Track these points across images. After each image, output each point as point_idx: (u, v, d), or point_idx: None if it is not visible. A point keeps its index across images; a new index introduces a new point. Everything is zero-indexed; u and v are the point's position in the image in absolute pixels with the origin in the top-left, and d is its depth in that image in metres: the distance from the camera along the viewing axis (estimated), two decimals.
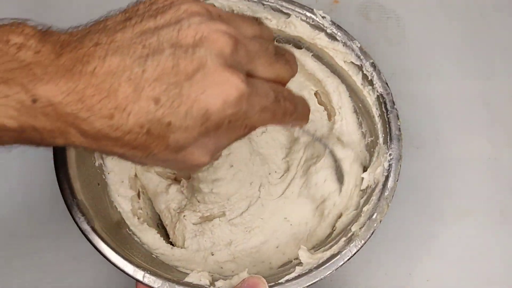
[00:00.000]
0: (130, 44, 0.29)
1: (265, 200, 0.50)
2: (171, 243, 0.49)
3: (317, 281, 0.40)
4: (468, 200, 0.56)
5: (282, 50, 0.37)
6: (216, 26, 0.31)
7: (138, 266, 0.40)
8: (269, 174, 0.51)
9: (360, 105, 0.50)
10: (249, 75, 0.32)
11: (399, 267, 0.53)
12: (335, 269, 0.40)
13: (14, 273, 0.52)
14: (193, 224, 0.49)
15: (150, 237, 0.47)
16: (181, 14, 0.31)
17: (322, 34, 0.49)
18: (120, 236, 0.45)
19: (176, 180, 0.52)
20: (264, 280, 0.39)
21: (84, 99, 0.28)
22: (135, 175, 0.51)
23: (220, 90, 0.30)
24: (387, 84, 0.47)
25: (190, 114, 0.29)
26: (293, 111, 0.36)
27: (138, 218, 0.48)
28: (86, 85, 0.28)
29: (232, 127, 0.32)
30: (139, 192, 0.51)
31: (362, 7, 0.66)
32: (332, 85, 0.52)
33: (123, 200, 0.48)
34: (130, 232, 0.47)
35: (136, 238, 0.46)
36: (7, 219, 0.54)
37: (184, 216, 0.49)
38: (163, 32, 0.30)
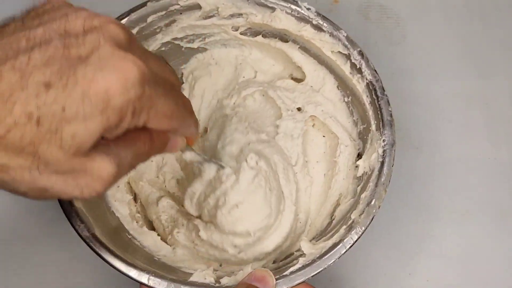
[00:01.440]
0: (12, 40, 0.26)
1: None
2: None
3: (321, 271, 0.40)
4: (468, 200, 0.56)
5: None
6: (106, 18, 0.29)
7: (142, 269, 0.40)
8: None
9: (350, 93, 0.50)
10: None
11: (399, 267, 0.54)
12: (338, 258, 0.40)
13: (15, 273, 0.52)
14: (186, 242, 0.48)
15: (151, 240, 0.47)
16: (66, 10, 0.29)
17: (308, 26, 0.50)
18: (120, 241, 0.45)
19: (169, 193, 0.51)
20: (271, 273, 0.39)
21: None
22: (129, 182, 0.51)
23: (120, 68, 0.26)
24: (375, 71, 0.47)
25: (88, 97, 0.25)
26: (192, 109, 0.35)
27: (137, 222, 0.48)
28: None
29: (133, 139, 0.29)
30: (135, 195, 0.51)
31: (362, 7, 0.66)
32: (318, 78, 0.52)
33: (120, 205, 0.48)
34: (130, 236, 0.46)
35: (136, 242, 0.46)
36: (8, 219, 0.53)
37: (177, 232, 0.48)
38: (49, 24, 0.27)
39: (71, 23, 0.27)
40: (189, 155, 0.45)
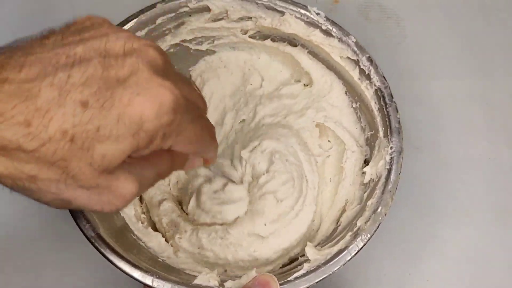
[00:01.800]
0: (52, 55, 0.27)
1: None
2: None
3: (326, 277, 0.40)
4: (468, 200, 0.56)
5: None
6: (145, 41, 0.30)
7: (146, 270, 0.40)
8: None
9: (358, 99, 0.50)
10: None
11: (399, 267, 0.53)
12: (343, 264, 0.40)
13: (15, 273, 0.52)
14: (189, 248, 0.47)
15: (155, 241, 0.47)
16: (106, 30, 0.29)
17: (317, 31, 0.50)
18: (125, 241, 0.45)
19: (173, 196, 0.51)
20: (275, 278, 0.39)
21: None
22: None
23: (156, 95, 0.27)
24: (384, 77, 0.47)
25: (123, 119, 0.26)
26: (214, 135, 0.37)
27: (142, 223, 0.48)
28: None
29: (156, 158, 0.31)
30: (141, 196, 0.51)
31: (362, 7, 0.66)
32: (326, 84, 0.52)
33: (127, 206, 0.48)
34: (135, 237, 0.46)
35: (141, 243, 0.46)
36: (8, 219, 0.53)
37: (179, 238, 0.48)
38: (90, 42, 0.28)
39: (111, 44, 0.28)
40: (203, 171, 0.49)
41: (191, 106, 0.31)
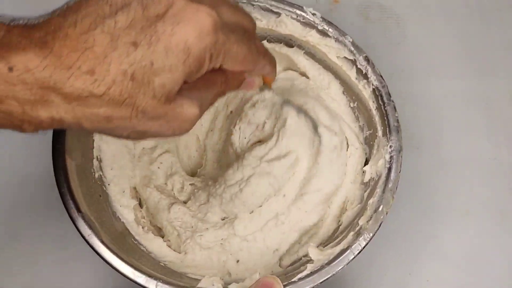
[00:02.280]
0: (98, 8, 0.29)
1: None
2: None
3: (329, 277, 0.40)
4: (468, 200, 0.57)
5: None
6: None
7: (149, 275, 0.40)
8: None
9: (355, 98, 0.50)
10: None
11: (399, 267, 0.54)
12: (347, 264, 0.40)
13: (15, 273, 0.52)
14: (211, 244, 0.47)
15: (156, 246, 0.47)
16: None
17: (314, 31, 0.50)
18: (126, 246, 0.45)
19: (179, 200, 0.51)
20: (279, 280, 0.39)
21: (62, 60, 0.27)
22: (135, 187, 0.50)
23: (195, 21, 0.30)
24: (381, 76, 0.47)
25: (170, 50, 0.29)
26: (265, 52, 0.38)
27: (143, 228, 0.47)
28: (62, 46, 0.28)
29: (211, 80, 0.33)
30: (140, 201, 0.50)
31: (362, 7, 0.66)
32: (323, 83, 0.52)
33: (126, 210, 0.48)
34: (136, 242, 0.46)
35: (142, 248, 0.46)
36: (8, 219, 0.53)
37: (200, 235, 0.47)
38: None
39: None
40: (267, 94, 0.49)
41: (234, 26, 0.33)
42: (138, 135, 0.32)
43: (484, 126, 0.60)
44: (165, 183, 0.51)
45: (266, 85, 0.45)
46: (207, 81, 0.34)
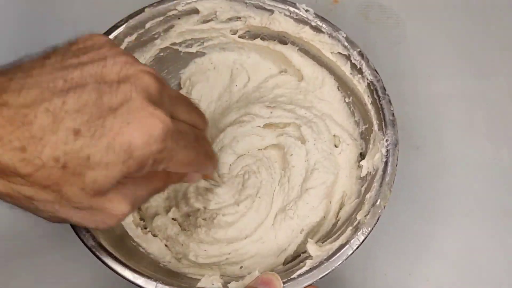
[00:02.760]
0: (50, 79, 0.28)
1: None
2: None
3: (329, 273, 0.40)
4: (468, 200, 0.56)
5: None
6: (141, 67, 0.30)
7: (149, 277, 0.40)
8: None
9: (350, 94, 0.50)
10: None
11: (399, 267, 0.53)
12: (345, 259, 0.40)
13: (15, 273, 0.52)
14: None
15: (155, 247, 0.47)
16: (106, 52, 0.30)
17: (307, 28, 0.50)
18: (125, 248, 0.44)
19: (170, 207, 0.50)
20: (278, 277, 0.39)
21: None
22: None
23: (146, 124, 0.28)
24: (376, 71, 0.47)
25: (112, 147, 0.27)
26: (212, 154, 0.37)
27: (141, 229, 0.47)
28: None
29: (151, 177, 0.31)
30: None
31: (362, 7, 0.66)
32: (317, 80, 0.52)
33: None
34: (135, 244, 0.46)
35: (141, 249, 0.46)
36: (8, 219, 0.53)
37: (182, 243, 0.48)
38: (87, 67, 0.29)
39: (107, 69, 0.29)
40: (203, 183, 0.48)
41: (186, 130, 0.32)
42: (59, 220, 0.31)
43: (484, 126, 0.60)
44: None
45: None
46: (147, 177, 0.32)
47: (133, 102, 0.28)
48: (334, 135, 0.51)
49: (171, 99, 0.32)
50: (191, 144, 0.33)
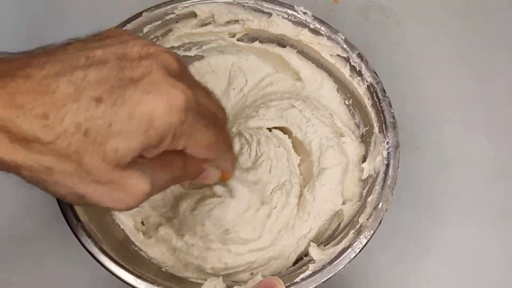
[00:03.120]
0: (73, 57, 0.28)
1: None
2: None
3: (332, 276, 0.40)
4: (468, 200, 0.56)
5: None
6: (163, 48, 0.31)
7: (152, 282, 0.40)
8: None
9: (350, 96, 0.50)
10: None
11: (399, 267, 0.53)
12: (348, 262, 0.40)
13: (15, 273, 0.51)
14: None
15: (157, 251, 0.46)
16: (126, 38, 0.31)
17: (306, 30, 0.50)
18: (127, 253, 0.44)
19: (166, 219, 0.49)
20: (281, 281, 0.38)
21: (15, 98, 0.26)
22: None
23: (167, 94, 0.28)
24: (375, 73, 0.47)
25: (133, 116, 0.27)
26: (231, 148, 0.37)
27: (143, 234, 0.47)
28: (19, 86, 0.26)
29: (169, 164, 0.31)
30: None
31: (362, 7, 0.66)
32: (316, 82, 0.52)
33: (125, 217, 0.47)
34: (136, 248, 0.46)
35: (143, 254, 0.46)
36: (7, 219, 0.53)
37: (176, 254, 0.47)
38: (108, 47, 0.29)
39: (129, 49, 0.29)
40: (219, 190, 0.46)
41: (206, 111, 0.32)
42: (76, 198, 0.30)
43: (484, 126, 0.60)
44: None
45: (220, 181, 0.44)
46: (165, 162, 0.32)
47: (154, 75, 0.29)
48: (336, 125, 0.51)
49: (192, 81, 0.32)
50: (211, 125, 0.32)
